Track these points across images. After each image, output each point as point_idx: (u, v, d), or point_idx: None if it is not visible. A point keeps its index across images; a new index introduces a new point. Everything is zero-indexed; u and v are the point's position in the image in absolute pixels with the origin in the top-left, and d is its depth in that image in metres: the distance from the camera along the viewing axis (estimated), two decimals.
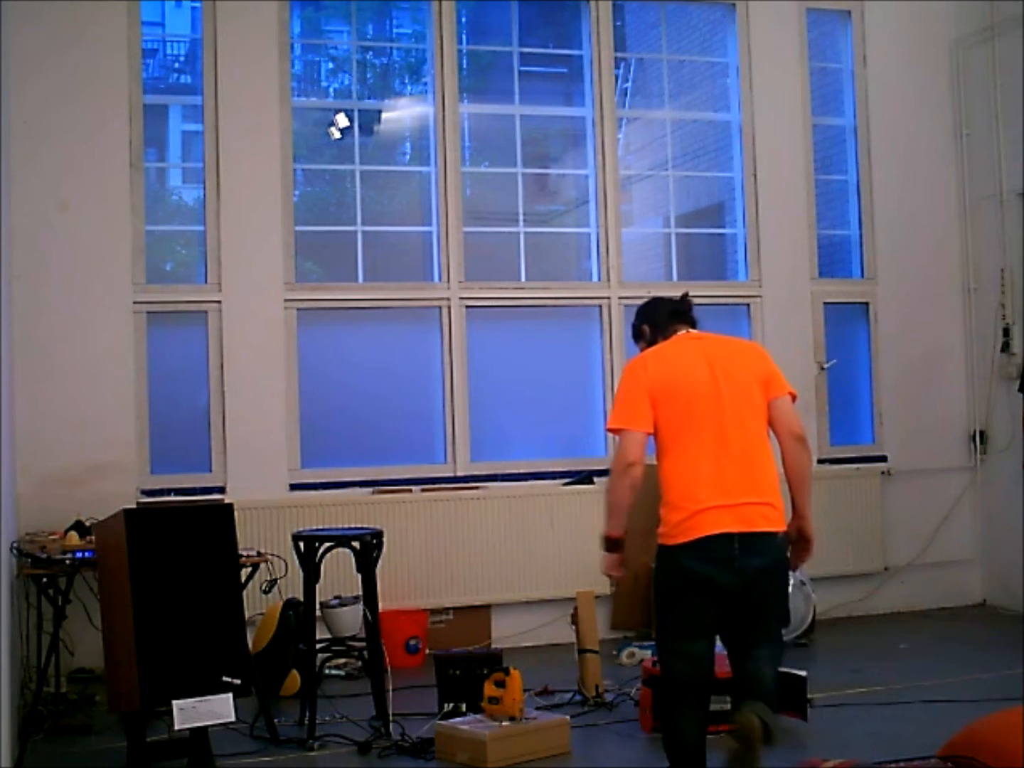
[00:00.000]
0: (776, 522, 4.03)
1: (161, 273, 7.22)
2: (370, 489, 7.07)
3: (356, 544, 5.39)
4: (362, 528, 5.72)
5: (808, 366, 7.90)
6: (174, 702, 4.53)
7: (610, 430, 4.36)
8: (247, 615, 5.04)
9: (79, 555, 5.19)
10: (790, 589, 5.76)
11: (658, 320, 4.36)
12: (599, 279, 7.69)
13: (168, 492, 6.65)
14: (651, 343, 4.32)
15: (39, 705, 5.26)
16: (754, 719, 3.81)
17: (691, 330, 4.30)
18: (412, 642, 6.70)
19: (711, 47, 8.31)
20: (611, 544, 4.38)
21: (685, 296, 4.37)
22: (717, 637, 4.13)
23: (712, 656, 4.11)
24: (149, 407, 6.77)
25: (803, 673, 5.31)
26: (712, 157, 8.31)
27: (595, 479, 7.37)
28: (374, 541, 5.41)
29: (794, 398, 4.20)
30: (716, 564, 4.00)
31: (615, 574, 4.40)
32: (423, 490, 7.12)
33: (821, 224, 8.13)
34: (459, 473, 7.28)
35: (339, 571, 5.76)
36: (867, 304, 8.15)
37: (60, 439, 6.47)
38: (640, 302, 4.53)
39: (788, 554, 4.12)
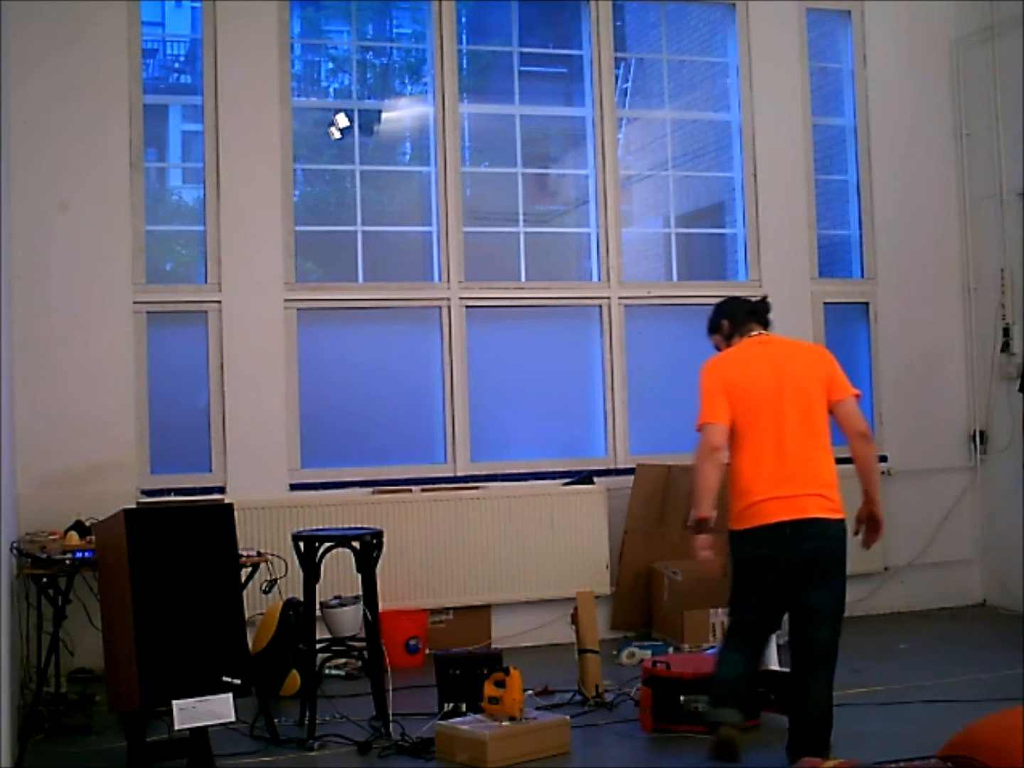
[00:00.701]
0: (829, 510, 4.50)
1: (161, 273, 7.22)
2: (370, 489, 7.08)
3: (356, 544, 5.39)
4: (362, 528, 5.72)
5: None
6: (174, 702, 4.53)
7: (698, 429, 4.69)
8: (247, 615, 5.04)
9: (79, 555, 5.19)
10: None
11: (737, 317, 4.93)
12: (599, 279, 7.69)
13: (168, 492, 6.65)
14: (728, 337, 4.92)
15: (39, 705, 5.26)
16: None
17: (763, 332, 4.85)
18: (412, 642, 6.70)
19: (711, 47, 8.31)
20: (701, 525, 4.65)
21: (764, 299, 4.97)
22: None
23: (771, 626, 4.75)
24: (149, 407, 6.77)
25: None
26: (712, 157, 8.31)
27: (595, 479, 7.38)
28: (374, 541, 5.41)
29: (857, 398, 4.65)
30: (772, 548, 4.50)
31: (708, 556, 4.67)
32: (423, 490, 7.12)
33: (821, 224, 8.13)
34: (459, 473, 7.29)
35: (339, 571, 5.76)
36: (867, 304, 8.15)
37: (60, 439, 6.47)
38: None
39: (856, 534, 4.62)
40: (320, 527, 6.21)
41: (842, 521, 4.53)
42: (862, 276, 8.19)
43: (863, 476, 4.64)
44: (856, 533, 4.64)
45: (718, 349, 5.06)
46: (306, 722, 5.27)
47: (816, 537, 4.47)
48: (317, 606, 5.37)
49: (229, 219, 6.93)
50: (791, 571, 4.49)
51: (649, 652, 6.36)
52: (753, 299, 4.98)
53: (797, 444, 4.54)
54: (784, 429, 4.55)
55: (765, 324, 4.88)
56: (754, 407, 4.61)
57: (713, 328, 5.04)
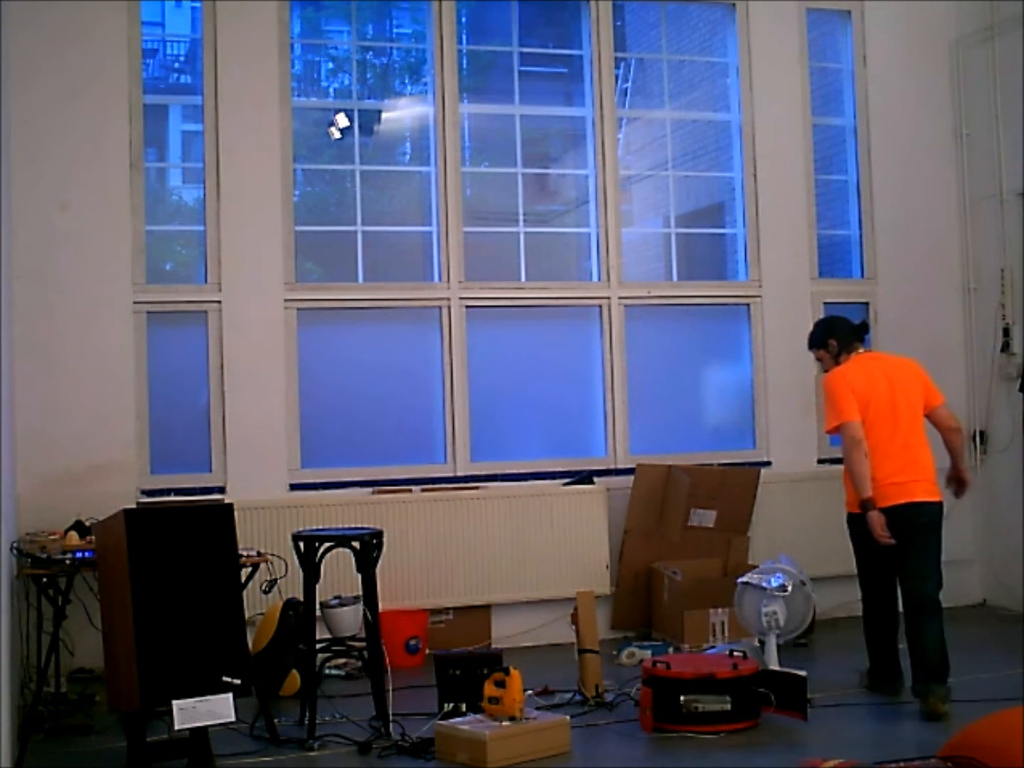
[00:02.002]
0: (932, 493, 5.73)
1: (161, 273, 7.22)
2: (370, 489, 7.08)
3: (356, 544, 5.38)
4: (362, 528, 5.72)
5: (808, 366, 7.85)
6: (174, 702, 4.53)
7: (833, 429, 5.78)
8: (247, 615, 5.04)
9: (79, 555, 5.19)
10: (791, 589, 5.78)
11: (845, 337, 5.93)
12: (599, 279, 7.69)
13: (168, 492, 6.65)
14: (836, 356, 5.90)
15: (39, 705, 5.26)
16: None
17: (866, 350, 5.95)
18: (412, 642, 6.70)
19: (711, 47, 8.31)
20: (869, 504, 5.57)
21: (865, 323, 6.11)
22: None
23: (889, 586, 5.80)
24: (149, 407, 6.77)
25: (803, 673, 5.32)
26: (712, 157, 8.31)
27: (595, 479, 7.38)
28: (374, 541, 5.41)
29: (944, 403, 5.92)
30: (892, 525, 5.55)
31: (884, 532, 5.54)
32: (423, 490, 7.12)
33: (821, 224, 8.13)
34: (459, 473, 7.29)
35: (339, 571, 5.76)
36: (867, 304, 8.15)
37: (60, 439, 6.47)
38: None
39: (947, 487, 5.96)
40: (320, 527, 6.20)
41: (940, 502, 5.75)
42: (862, 276, 8.19)
43: (954, 455, 6.02)
44: (948, 486, 5.98)
45: (821, 362, 6.06)
46: (306, 722, 5.27)
47: (924, 514, 5.65)
48: (317, 606, 5.37)
49: (229, 219, 6.93)
50: (905, 542, 5.57)
51: (649, 652, 6.36)
52: (855, 322, 6.03)
53: (907, 441, 5.72)
54: (898, 429, 5.70)
55: (863, 343, 5.97)
56: (875, 411, 5.67)
57: (820, 344, 5.98)
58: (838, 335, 5.95)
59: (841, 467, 7.76)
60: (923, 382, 5.84)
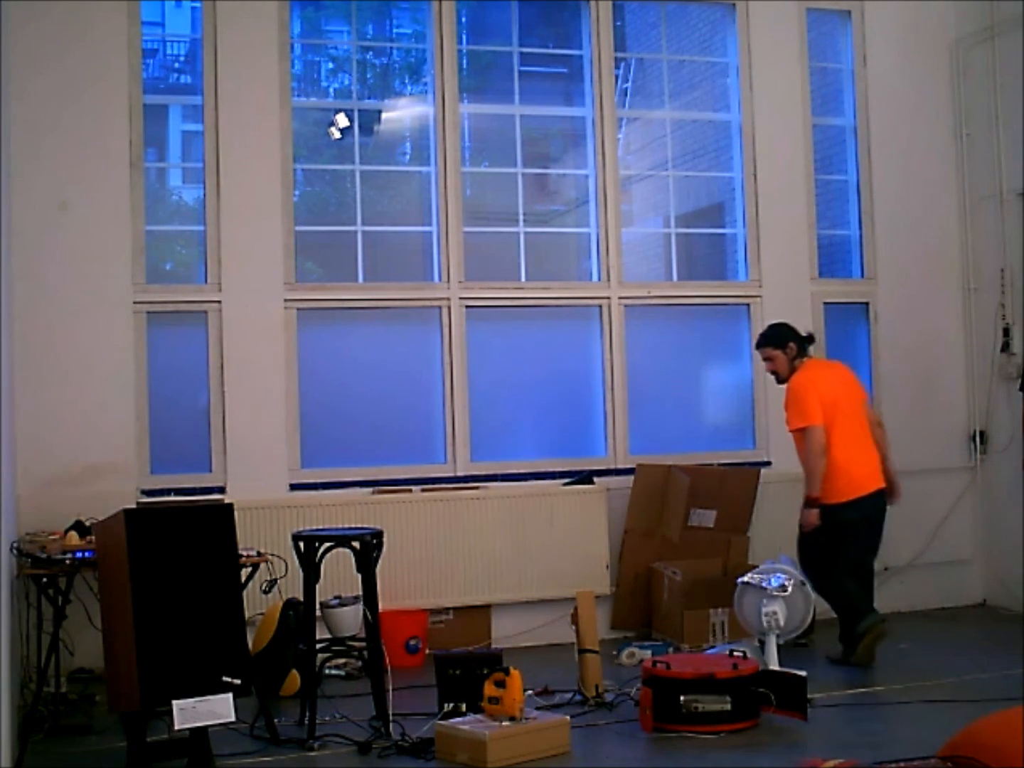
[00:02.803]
0: (882, 482, 6.48)
1: (161, 273, 7.22)
2: (370, 489, 7.08)
3: (356, 544, 5.39)
4: (362, 528, 5.72)
5: None
6: (174, 702, 4.53)
7: (798, 429, 6.33)
8: (247, 615, 5.04)
9: (79, 555, 5.19)
10: (791, 589, 5.79)
11: (800, 342, 6.47)
12: (599, 279, 7.69)
13: (168, 492, 6.65)
14: (792, 359, 6.42)
15: (39, 705, 5.25)
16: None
17: (808, 357, 6.54)
18: (412, 642, 6.70)
19: (711, 47, 8.31)
20: (813, 502, 6.27)
21: (811, 334, 6.66)
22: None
23: (870, 559, 6.64)
24: (149, 407, 6.78)
25: (803, 673, 5.32)
26: (712, 157, 8.31)
27: (595, 479, 7.38)
28: (374, 541, 5.41)
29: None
30: (870, 508, 6.39)
31: (816, 522, 6.27)
32: (423, 490, 7.12)
33: (821, 224, 8.13)
34: (459, 473, 7.29)
35: (339, 571, 5.75)
36: (867, 304, 8.15)
37: (60, 439, 6.47)
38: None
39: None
40: (320, 527, 6.20)
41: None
42: (862, 276, 8.19)
43: (881, 450, 6.56)
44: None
45: (770, 362, 6.48)
46: (306, 722, 5.27)
47: (883, 499, 6.47)
48: (317, 606, 5.37)
49: (229, 219, 6.93)
50: (878, 522, 6.46)
51: (649, 652, 6.36)
52: (804, 332, 6.60)
53: (868, 437, 6.47)
54: (863, 427, 6.45)
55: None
56: (843, 413, 6.36)
57: (781, 345, 6.42)
58: (796, 340, 6.44)
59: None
60: (862, 389, 6.72)
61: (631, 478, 7.39)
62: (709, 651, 6.36)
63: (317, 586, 5.34)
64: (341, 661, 6.30)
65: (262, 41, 7.04)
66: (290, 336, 7.03)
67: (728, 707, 5.15)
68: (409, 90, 7.94)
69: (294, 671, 5.98)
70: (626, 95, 8.29)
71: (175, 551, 4.71)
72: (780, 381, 6.53)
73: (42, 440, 6.39)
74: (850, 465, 6.32)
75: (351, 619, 5.39)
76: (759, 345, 6.58)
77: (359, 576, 5.41)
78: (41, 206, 6.54)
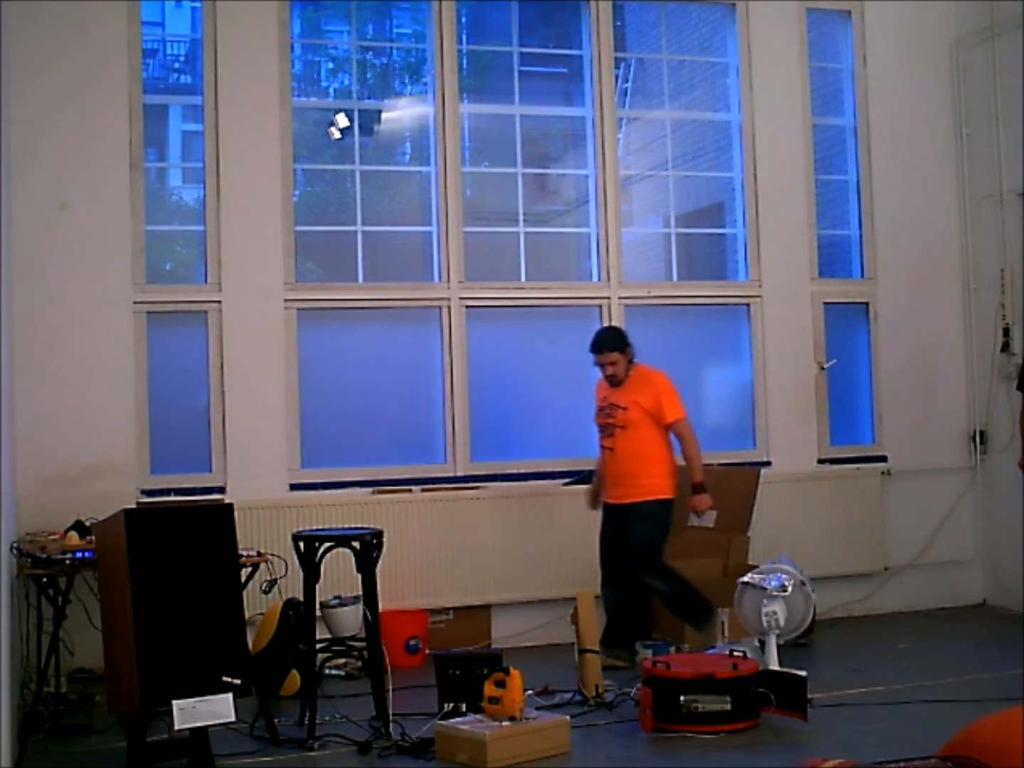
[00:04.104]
0: None
1: (161, 273, 7.22)
2: (370, 489, 7.08)
3: (356, 544, 5.39)
4: (362, 528, 5.72)
5: (808, 366, 7.91)
6: (174, 702, 4.53)
7: (682, 419, 6.53)
8: (247, 615, 5.04)
9: (79, 555, 5.19)
10: (791, 589, 5.78)
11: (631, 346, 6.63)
12: (599, 279, 7.69)
13: (168, 492, 6.65)
14: (629, 361, 6.56)
15: (39, 705, 5.25)
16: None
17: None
18: (412, 642, 6.70)
19: (711, 47, 8.31)
20: (703, 487, 6.52)
21: None
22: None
23: None
24: (149, 407, 6.77)
25: (803, 673, 5.32)
26: (712, 157, 8.31)
27: None
28: (374, 541, 5.41)
29: None
30: (671, 509, 6.61)
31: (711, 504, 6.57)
32: (423, 490, 7.12)
33: (821, 224, 8.13)
34: (459, 473, 7.29)
35: (339, 571, 5.75)
36: (867, 304, 8.15)
37: (60, 439, 6.47)
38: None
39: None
40: (320, 527, 6.20)
41: None
42: (862, 276, 8.19)
43: None
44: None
45: (606, 367, 6.53)
46: (306, 722, 5.27)
47: None
48: (317, 606, 5.37)
49: (229, 219, 6.93)
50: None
51: (650, 652, 6.37)
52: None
53: None
54: None
55: None
56: None
57: (621, 348, 6.54)
58: (630, 343, 6.61)
59: (841, 467, 7.89)
60: None
61: None
62: (709, 651, 6.36)
63: (317, 586, 5.34)
64: (341, 661, 6.30)
65: (262, 41, 7.04)
66: (290, 336, 7.03)
67: (728, 707, 5.15)
68: (409, 90, 7.94)
69: (294, 671, 5.98)
70: (626, 95, 8.30)
71: (175, 551, 4.71)
72: (616, 383, 6.54)
73: (42, 440, 6.39)
74: (668, 466, 6.55)
75: (351, 619, 5.38)
76: (604, 349, 6.54)
77: (359, 576, 5.41)
78: (41, 206, 6.54)
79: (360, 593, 5.40)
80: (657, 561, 6.49)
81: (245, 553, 5.33)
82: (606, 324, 7.60)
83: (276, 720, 5.30)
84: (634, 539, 6.49)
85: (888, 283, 8.13)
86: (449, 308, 7.35)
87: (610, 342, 6.57)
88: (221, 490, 6.72)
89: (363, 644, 5.39)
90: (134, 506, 5.54)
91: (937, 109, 8.25)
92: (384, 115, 7.75)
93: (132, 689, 4.53)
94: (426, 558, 6.95)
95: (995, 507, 8.00)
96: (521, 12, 7.83)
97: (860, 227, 8.20)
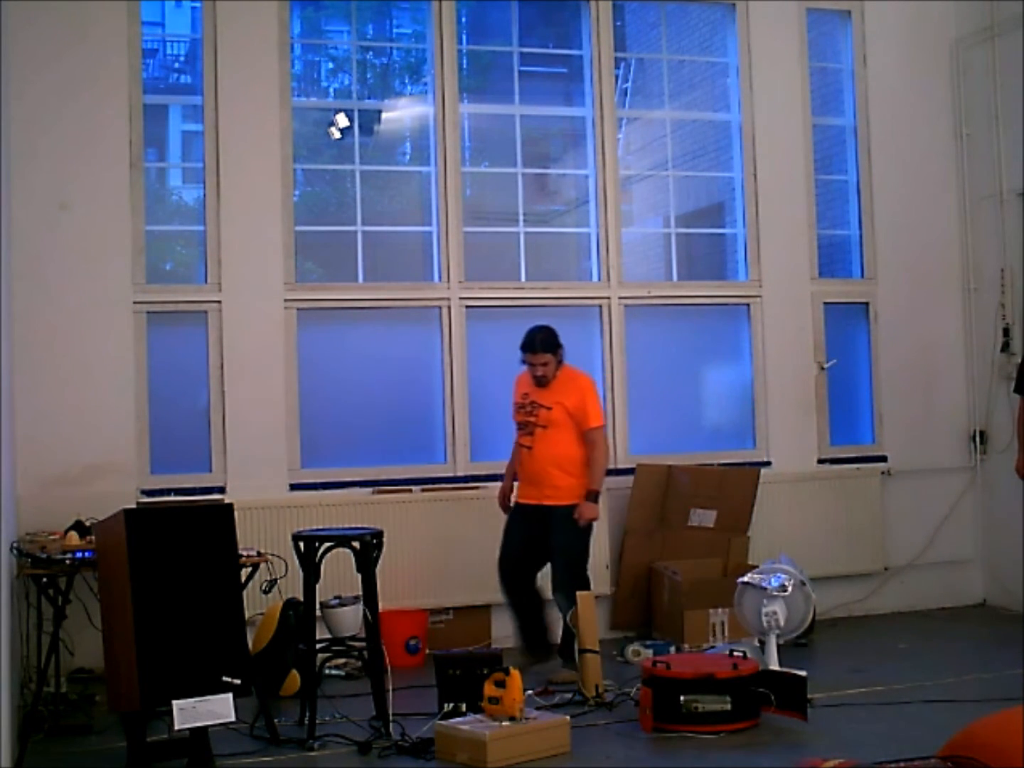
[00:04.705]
0: None
1: (161, 273, 7.22)
2: (370, 489, 7.07)
3: (356, 544, 5.39)
4: (362, 528, 5.72)
5: (808, 366, 7.90)
6: (174, 702, 4.53)
7: (602, 426, 6.43)
8: (247, 615, 5.04)
9: (79, 555, 5.19)
10: (791, 589, 5.78)
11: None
12: (599, 279, 7.69)
13: (168, 492, 6.65)
14: (559, 362, 6.40)
15: (39, 705, 5.25)
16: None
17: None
18: (412, 642, 6.70)
19: (711, 47, 8.31)
20: (597, 496, 6.39)
21: None
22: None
23: None
24: (149, 407, 6.77)
25: (803, 673, 5.32)
26: (712, 157, 8.31)
27: None
28: (374, 541, 5.41)
29: None
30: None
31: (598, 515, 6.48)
32: (423, 490, 7.12)
33: (821, 224, 8.13)
34: (459, 473, 7.28)
35: (339, 571, 5.75)
36: (867, 304, 8.15)
37: (60, 439, 6.47)
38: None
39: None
40: (320, 527, 6.20)
41: None
42: (862, 276, 8.19)
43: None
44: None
45: (537, 368, 6.36)
46: (306, 722, 5.27)
47: None
48: (317, 606, 5.37)
49: (229, 219, 6.93)
50: None
51: (651, 651, 6.37)
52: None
53: None
54: None
55: None
56: None
57: (554, 350, 6.39)
58: (562, 345, 6.45)
59: (841, 467, 7.88)
60: None
61: (631, 478, 7.38)
62: (709, 651, 6.36)
63: (317, 586, 5.35)
64: (341, 661, 6.30)
65: (262, 41, 7.04)
66: (290, 336, 7.03)
67: (728, 707, 5.15)
68: (409, 90, 7.94)
69: (294, 671, 5.98)
70: (626, 95, 8.30)
71: (175, 551, 4.71)
72: (544, 384, 6.38)
73: (42, 440, 6.39)
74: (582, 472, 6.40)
75: (351, 619, 5.38)
76: (538, 349, 6.37)
77: (359, 576, 5.41)
78: (41, 206, 6.53)
79: (360, 593, 5.41)
80: (582, 576, 6.35)
81: (245, 553, 5.33)
82: (607, 325, 7.61)
83: (276, 720, 5.30)
84: (563, 549, 6.34)
85: (888, 283, 8.13)
86: (449, 308, 7.35)
87: (545, 343, 6.39)
88: (221, 490, 6.72)
89: (363, 644, 5.39)
90: (134, 506, 5.54)
91: (937, 109, 8.25)
92: (384, 115, 7.75)
93: (132, 689, 4.53)
94: (426, 558, 6.95)
95: (995, 507, 8.00)
96: (521, 12, 7.83)
97: (860, 227, 8.20)
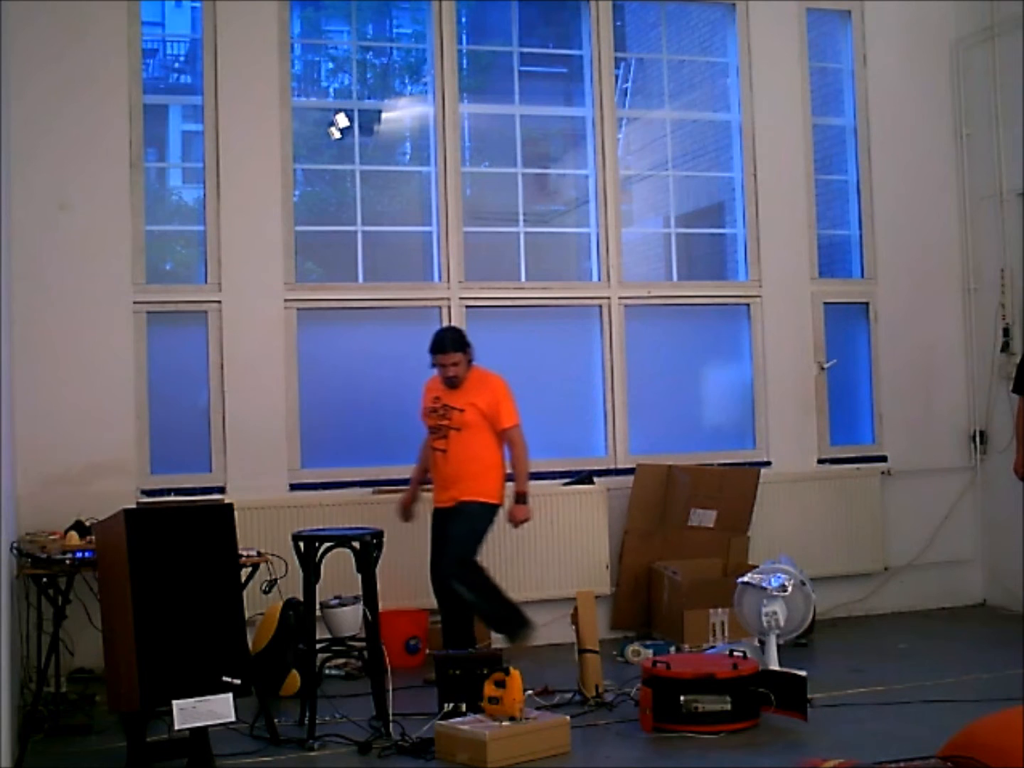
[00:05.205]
0: None
1: (161, 273, 7.22)
2: (370, 489, 7.07)
3: (356, 544, 5.39)
4: (362, 528, 5.72)
5: (808, 366, 7.90)
6: (174, 702, 4.53)
7: (517, 425, 6.36)
8: (247, 615, 5.04)
9: (79, 555, 5.18)
10: (791, 589, 5.78)
11: None
12: (599, 279, 7.69)
13: (168, 492, 6.65)
14: (469, 362, 6.38)
15: (39, 705, 5.25)
16: None
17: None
18: (412, 642, 6.70)
19: (711, 47, 8.31)
20: (525, 498, 6.37)
21: None
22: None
23: None
24: (149, 407, 6.77)
25: (803, 673, 5.32)
26: (712, 157, 8.31)
27: (595, 479, 7.38)
28: (374, 541, 5.41)
29: None
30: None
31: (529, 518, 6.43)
32: (423, 490, 7.11)
33: (821, 224, 8.13)
34: None
35: (339, 571, 5.74)
36: (867, 304, 8.15)
37: (60, 439, 6.47)
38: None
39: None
40: (320, 527, 6.20)
41: None
42: (862, 276, 8.19)
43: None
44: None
45: (455, 366, 6.33)
46: (306, 722, 5.27)
47: None
48: (317, 606, 5.37)
49: (229, 219, 6.93)
50: None
51: (651, 651, 6.37)
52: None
53: None
54: None
55: None
56: None
57: (464, 349, 6.38)
58: (471, 344, 6.43)
59: (841, 467, 7.88)
60: None
61: (631, 478, 7.38)
62: (709, 651, 6.36)
63: (317, 586, 5.34)
64: (341, 661, 6.30)
65: (262, 41, 7.04)
66: (290, 336, 7.03)
67: (728, 707, 5.15)
68: (409, 90, 7.95)
69: (294, 671, 5.98)
70: (626, 95, 8.29)
71: (175, 551, 4.71)
72: (455, 385, 6.36)
73: (42, 440, 6.39)
74: (501, 475, 6.39)
75: (351, 619, 5.38)
76: (448, 349, 6.35)
77: (359, 576, 5.41)
78: (41, 206, 6.54)
79: (360, 593, 5.41)
80: (468, 564, 6.29)
81: (245, 553, 5.32)
82: (607, 325, 7.61)
83: (276, 720, 5.30)
84: (454, 538, 6.31)
85: (888, 283, 8.13)
86: (449, 308, 7.35)
87: (455, 342, 6.36)
88: (221, 490, 6.72)
89: (363, 644, 5.39)
90: (134, 506, 5.54)
91: (937, 109, 8.25)
92: (384, 115, 7.75)
93: (132, 689, 4.53)
94: (426, 558, 6.94)
95: (995, 507, 8.00)
96: (521, 12, 7.83)
97: (860, 227, 8.20)
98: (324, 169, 7.76)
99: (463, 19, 7.80)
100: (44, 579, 5.21)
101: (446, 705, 5.36)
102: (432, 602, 6.93)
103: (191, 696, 4.57)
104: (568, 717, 5.17)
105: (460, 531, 6.31)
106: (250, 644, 5.55)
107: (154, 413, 6.79)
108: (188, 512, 5.02)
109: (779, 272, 7.91)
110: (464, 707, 5.28)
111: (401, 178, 7.98)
